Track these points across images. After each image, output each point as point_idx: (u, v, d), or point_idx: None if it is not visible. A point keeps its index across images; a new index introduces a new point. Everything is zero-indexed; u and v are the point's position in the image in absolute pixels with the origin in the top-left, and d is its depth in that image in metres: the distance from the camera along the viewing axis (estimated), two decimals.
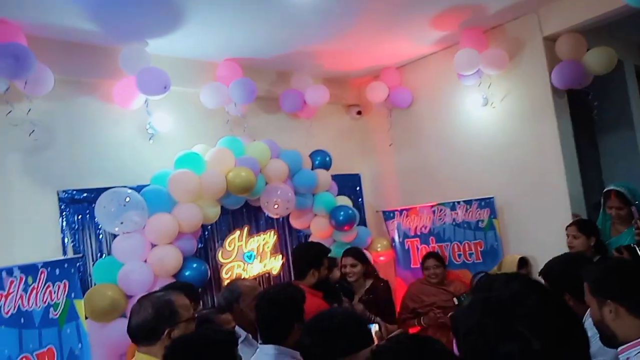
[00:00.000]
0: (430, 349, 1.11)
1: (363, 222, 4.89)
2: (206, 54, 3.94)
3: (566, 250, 3.52)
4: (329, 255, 3.48)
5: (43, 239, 3.21)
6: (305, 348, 1.79)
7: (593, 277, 1.61)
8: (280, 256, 4.37)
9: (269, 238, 4.31)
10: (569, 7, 3.70)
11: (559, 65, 3.79)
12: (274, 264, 4.29)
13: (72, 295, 2.45)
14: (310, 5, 3.28)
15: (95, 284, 3.20)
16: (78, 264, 2.97)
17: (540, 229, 3.94)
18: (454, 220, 4.37)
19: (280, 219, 4.41)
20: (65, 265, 2.44)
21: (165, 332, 1.81)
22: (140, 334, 1.85)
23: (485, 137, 4.32)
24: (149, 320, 1.83)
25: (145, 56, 3.47)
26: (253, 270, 4.09)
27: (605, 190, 3.37)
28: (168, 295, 1.95)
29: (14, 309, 2.21)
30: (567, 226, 3.36)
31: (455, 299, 3.47)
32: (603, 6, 3.53)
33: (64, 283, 2.41)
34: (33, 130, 3.12)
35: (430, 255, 4.03)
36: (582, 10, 3.64)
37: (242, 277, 3.91)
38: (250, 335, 2.61)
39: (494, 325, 0.98)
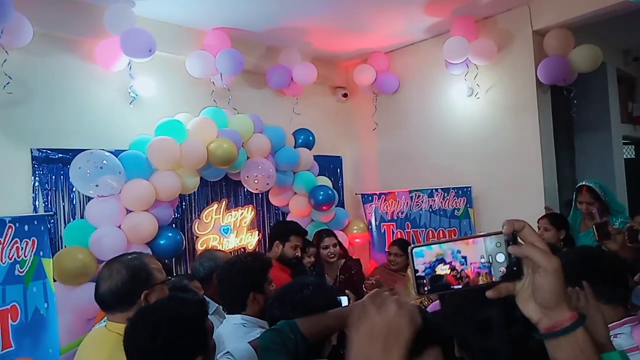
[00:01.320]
0: None
1: (341, 204, 4.92)
2: (195, 20, 3.84)
3: None
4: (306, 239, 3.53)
5: (13, 196, 3.11)
6: (276, 319, 1.77)
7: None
8: (257, 232, 4.35)
9: (247, 213, 4.29)
10: (560, 2, 3.74)
11: (546, 60, 3.84)
12: (250, 240, 4.28)
13: (41, 253, 2.37)
14: None
15: (65, 246, 3.13)
16: (50, 223, 2.89)
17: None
18: (430, 207, 4.42)
19: (259, 195, 4.38)
20: (35, 222, 2.37)
21: (143, 296, 1.70)
22: (113, 299, 1.71)
23: (467, 127, 4.36)
24: (125, 282, 1.70)
25: (131, 16, 3.36)
26: (229, 244, 4.07)
27: (577, 185, 3.46)
28: (140, 257, 1.84)
29: None
30: (539, 219, 3.43)
31: None
32: (594, 4, 3.57)
33: (33, 240, 2.34)
34: (8, 83, 2.99)
35: (395, 242, 4.01)
36: (573, 6, 3.68)
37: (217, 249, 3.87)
38: (221, 307, 2.61)
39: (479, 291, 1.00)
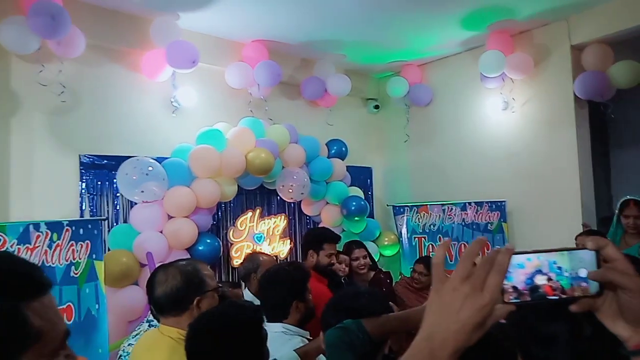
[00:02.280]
0: None
1: (371, 215, 4.94)
2: (234, 33, 3.95)
3: None
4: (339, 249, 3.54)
5: (61, 200, 3.23)
6: (329, 326, 1.80)
7: None
8: (289, 241, 4.40)
9: (280, 222, 4.35)
10: (599, 17, 3.72)
11: (584, 74, 3.82)
12: (282, 248, 4.33)
13: (94, 256, 2.47)
14: None
15: (109, 250, 3.23)
16: (101, 226, 2.99)
17: (549, 236, 3.97)
18: (463, 220, 4.41)
19: (292, 204, 4.44)
20: (89, 226, 2.47)
21: (195, 301, 1.73)
22: (168, 304, 1.75)
23: (502, 141, 4.35)
24: (179, 288, 1.74)
25: (176, 29, 3.49)
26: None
27: (623, 200, 3.41)
28: (193, 263, 1.89)
29: (38, 263, 2.24)
30: (577, 235, 3.39)
31: None
32: (633, 19, 3.55)
33: (87, 243, 2.44)
34: (62, 92, 3.13)
35: (421, 260, 3.91)
36: (613, 21, 3.66)
37: None
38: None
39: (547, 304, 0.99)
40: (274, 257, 3.31)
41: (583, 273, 0.72)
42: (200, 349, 1.46)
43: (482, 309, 0.66)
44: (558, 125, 3.99)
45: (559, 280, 0.72)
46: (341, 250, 3.86)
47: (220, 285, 2.05)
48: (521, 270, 0.71)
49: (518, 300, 0.71)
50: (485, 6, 3.66)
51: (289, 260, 4.38)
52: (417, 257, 4.61)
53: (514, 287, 0.71)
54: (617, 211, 3.43)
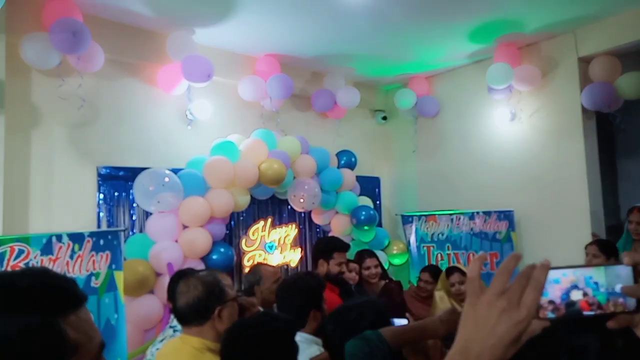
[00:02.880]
0: None
1: (380, 225, 4.98)
2: (247, 47, 4.05)
3: None
4: (350, 257, 3.59)
5: (79, 211, 3.32)
6: (327, 336, 1.82)
7: None
8: (300, 249, 4.46)
9: (291, 231, 4.41)
10: (606, 29, 3.78)
11: (591, 85, 3.87)
12: (293, 257, 4.38)
13: (113, 266, 2.54)
14: (357, 7, 3.38)
15: (126, 259, 3.30)
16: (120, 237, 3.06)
17: (558, 246, 4.01)
18: (471, 229, 4.45)
19: (302, 214, 4.50)
20: (109, 237, 2.54)
21: (217, 311, 1.75)
22: (191, 314, 1.77)
23: (510, 151, 4.40)
24: (201, 298, 1.76)
25: (192, 44, 3.58)
26: (273, 260, 4.18)
27: (630, 207, 3.46)
28: (214, 274, 1.90)
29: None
30: (587, 245, 3.43)
31: None
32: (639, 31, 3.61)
33: (107, 254, 2.51)
34: (82, 105, 3.22)
35: (426, 269, 3.91)
36: (620, 33, 3.72)
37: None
38: None
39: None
40: (279, 269, 3.36)
41: (620, 289, 0.71)
42: (234, 356, 1.52)
43: (519, 325, 0.66)
44: (566, 136, 4.04)
45: (596, 296, 0.71)
46: (352, 259, 3.91)
47: (239, 294, 2.10)
48: (557, 286, 0.71)
49: (554, 316, 0.71)
50: (493, 20, 3.73)
51: (299, 268, 4.43)
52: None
53: (550, 302, 0.71)
54: (627, 220, 3.47)
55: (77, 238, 2.40)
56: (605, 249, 3.24)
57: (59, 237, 2.32)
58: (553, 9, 3.60)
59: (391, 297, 3.82)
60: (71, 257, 2.37)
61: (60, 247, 2.33)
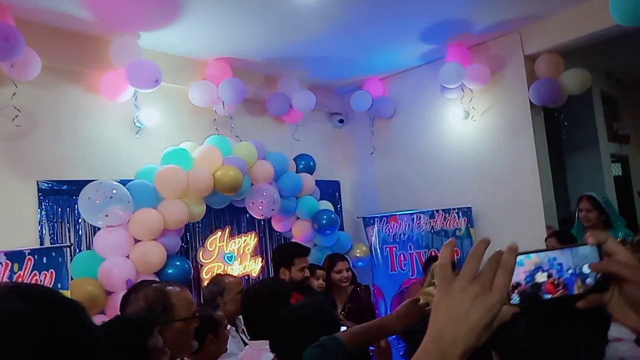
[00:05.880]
0: None
1: (341, 229, 4.94)
2: (197, 51, 3.92)
3: None
4: (312, 263, 3.52)
5: (20, 229, 3.07)
6: (272, 339, 1.75)
7: None
8: (260, 259, 4.34)
9: (250, 240, 4.28)
10: (549, 28, 3.91)
11: (537, 82, 3.99)
12: (254, 267, 4.26)
13: (59, 285, 2.35)
14: (308, 9, 3.34)
15: (72, 278, 3.08)
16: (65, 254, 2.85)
17: (515, 238, 3.89)
18: (432, 228, 4.47)
19: (262, 222, 4.39)
20: (53, 254, 2.36)
21: (154, 330, 1.50)
22: None
23: (465, 149, 4.47)
24: (139, 314, 1.60)
25: (137, 49, 3.42)
26: (233, 271, 4.04)
27: (579, 197, 3.58)
28: (163, 289, 1.70)
29: None
30: (547, 237, 3.51)
31: None
32: (581, 29, 3.75)
33: (51, 272, 2.33)
34: (17, 116, 3.00)
35: (431, 259, 4.00)
36: (562, 31, 3.86)
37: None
38: (233, 328, 2.63)
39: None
40: (240, 279, 3.24)
41: (586, 270, 0.71)
42: None
43: (492, 309, 0.66)
44: (517, 132, 4.14)
45: (561, 277, 0.70)
46: (322, 263, 3.83)
47: (197, 315, 1.81)
48: (521, 269, 0.70)
49: (518, 300, 0.69)
50: (443, 20, 3.78)
51: (260, 279, 4.31)
52: (389, 267, 4.66)
53: (515, 286, 0.69)
54: (577, 210, 3.58)
55: (16, 257, 2.20)
56: (563, 240, 3.33)
57: None
58: (499, 9, 3.69)
59: (360, 302, 3.78)
60: (10, 278, 2.16)
61: None
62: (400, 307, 1.61)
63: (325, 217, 4.27)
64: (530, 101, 4.05)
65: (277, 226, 4.39)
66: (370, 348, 2.16)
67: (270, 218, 4.30)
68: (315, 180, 4.58)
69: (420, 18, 3.72)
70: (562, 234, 3.48)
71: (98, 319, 2.98)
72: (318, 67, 4.55)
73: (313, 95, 4.53)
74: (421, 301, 1.65)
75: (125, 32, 3.40)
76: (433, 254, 4.36)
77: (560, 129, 4.46)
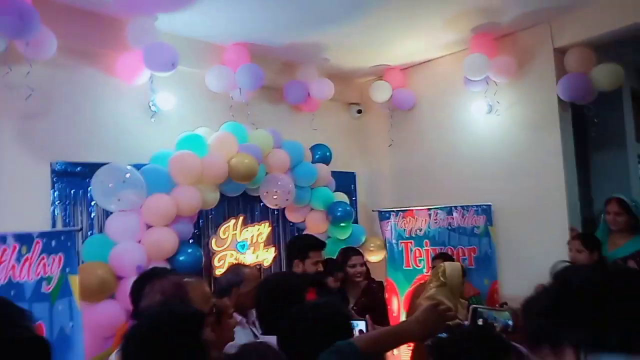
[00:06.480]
0: (488, 335, 1.07)
1: (355, 221, 4.84)
2: (214, 35, 3.83)
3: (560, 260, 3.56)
4: (331, 258, 3.44)
5: (32, 210, 3.05)
6: (282, 338, 1.69)
7: None
8: (273, 248, 4.27)
9: (263, 229, 4.22)
10: (581, 20, 3.74)
11: (566, 76, 3.83)
12: (267, 256, 4.20)
13: (67, 270, 2.30)
14: None
15: (83, 262, 3.05)
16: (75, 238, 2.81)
17: (535, 239, 3.96)
18: (449, 224, 4.36)
19: (276, 211, 4.32)
20: (62, 238, 2.30)
21: None
22: None
23: (487, 144, 4.33)
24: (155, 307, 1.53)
25: (154, 31, 3.34)
26: (245, 260, 3.98)
27: (607, 198, 3.42)
28: (180, 282, 1.65)
29: (4, 280, 2.06)
30: (570, 240, 3.38)
31: (463, 301, 3.44)
32: (614, 22, 3.58)
33: (59, 256, 2.27)
34: (30, 95, 2.95)
35: (439, 256, 3.92)
36: (594, 24, 3.68)
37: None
38: (244, 319, 2.56)
39: (567, 311, 0.94)
40: (258, 269, 3.18)
41: None
42: None
43: None
44: (542, 128, 3.99)
45: None
46: (335, 256, 3.74)
47: (213, 310, 1.74)
48: None
49: None
50: (469, 9, 3.63)
51: (272, 268, 4.25)
52: (404, 263, 4.56)
53: None
54: (604, 212, 3.43)
55: (24, 239, 2.15)
56: (588, 244, 3.19)
57: (3, 239, 2.07)
58: None
59: (373, 297, 3.69)
60: (18, 260, 2.11)
61: (5, 250, 2.08)
62: (420, 312, 1.52)
63: (340, 209, 4.18)
64: (558, 97, 3.89)
65: (290, 216, 4.32)
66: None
67: (285, 208, 4.23)
68: (331, 171, 4.49)
69: (443, 6, 3.57)
70: (587, 237, 3.33)
71: (108, 304, 2.96)
72: (338, 55, 4.43)
73: (331, 83, 4.42)
74: (441, 307, 1.56)
75: (143, 13, 3.32)
76: (449, 252, 4.25)
77: (587, 127, 4.28)
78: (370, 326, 3.12)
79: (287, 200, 3.86)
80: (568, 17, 3.80)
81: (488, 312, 1.75)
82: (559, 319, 0.95)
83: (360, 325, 2.31)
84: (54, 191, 3.13)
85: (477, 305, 1.85)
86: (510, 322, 1.72)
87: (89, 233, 3.23)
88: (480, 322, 1.70)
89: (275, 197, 3.78)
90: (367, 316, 3.19)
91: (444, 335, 1.41)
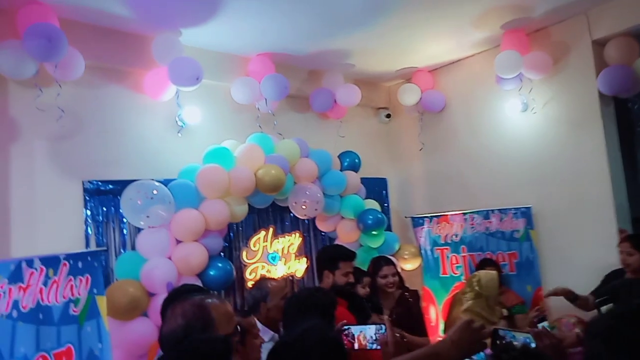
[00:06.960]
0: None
1: (388, 229, 4.72)
2: (238, 47, 3.82)
3: (609, 264, 3.33)
4: (358, 267, 3.33)
5: (65, 230, 3.09)
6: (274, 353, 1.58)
7: None
8: (305, 259, 4.20)
9: (294, 240, 4.16)
10: (621, 9, 3.52)
11: (607, 69, 3.60)
12: (298, 267, 4.13)
13: (94, 291, 2.29)
14: None
15: (117, 279, 3.07)
16: (102, 257, 2.83)
17: (581, 242, 3.73)
18: (487, 229, 4.18)
19: (306, 221, 4.25)
20: (89, 259, 2.30)
21: None
22: (168, 347, 1.51)
23: (524, 144, 4.13)
24: (178, 332, 1.49)
25: (179, 46, 3.36)
26: (277, 272, 3.94)
27: None
28: (203, 303, 1.57)
29: (33, 304, 2.04)
30: (619, 242, 3.16)
31: (504, 310, 3.27)
32: None
33: (86, 277, 2.26)
34: (61, 116, 3.01)
35: (485, 262, 3.82)
36: (635, 12, 3.45)
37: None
38: (276, 335, 2.48)
39: (623, 333, 0.85)
40: (284, 281, 3.11)
41: None
42: None
43: None
44: (583, 125, 3.77)
45: None
46: (367, 268, 3.63)
47: (238, 329, 1.68)
48: None
49: None
50: (498, 5, 3.48)
51: (305, 279, 4.18)
52: (440, 270, 4.40)
53: None
54: None
55: (51, 262, 2.14)
56: (638, 244, 2.97)
57: (30, 262, 2.05)
58: None
59: (408, 308, 3.53)
60: (45, 283, 2.10)
61: (32, 273, 2.06)
62: (454, 331, 1.42)
63: (371, 216, 4.08)
64: (598, 91, 3.67)
65: (321, 226, 4.24)
66: None
67: (315, 218, 4.16)
68: (361, 178, 4.39)
69: (471, 4, 3.43)
70: (637, 238, 3.10)
71: (141, 322, 2.96)
72: (363, 60, 4.35)
73: (357, 88, 4.34)
74: (475, 324, 1.44)
75: (167, 29, 3.35)
76: (488, 256, 4.07)
77: (633, 121, 4.03)
78: (389, 329, 2.93)
79: (316, 210, 3.79)
80: (606, 6, 3.59)
81: (506, 332, 1.73)
82: (615, 346, 0.85)
83: (371, 329, 2.17)
84: (87, 210, 3.17)
85: (498, 327, 1.82)
86: (532, 344, 1.67)
87: (121, 250, 3.25)
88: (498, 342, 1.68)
89: (304, 207, 3.72)
90: (385, 318, 2.98)
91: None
